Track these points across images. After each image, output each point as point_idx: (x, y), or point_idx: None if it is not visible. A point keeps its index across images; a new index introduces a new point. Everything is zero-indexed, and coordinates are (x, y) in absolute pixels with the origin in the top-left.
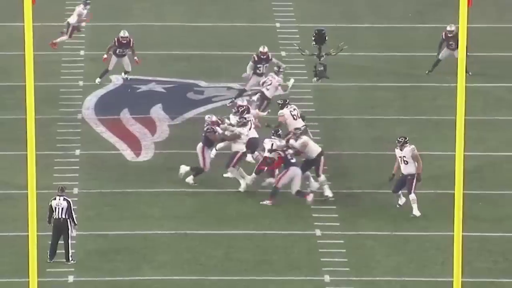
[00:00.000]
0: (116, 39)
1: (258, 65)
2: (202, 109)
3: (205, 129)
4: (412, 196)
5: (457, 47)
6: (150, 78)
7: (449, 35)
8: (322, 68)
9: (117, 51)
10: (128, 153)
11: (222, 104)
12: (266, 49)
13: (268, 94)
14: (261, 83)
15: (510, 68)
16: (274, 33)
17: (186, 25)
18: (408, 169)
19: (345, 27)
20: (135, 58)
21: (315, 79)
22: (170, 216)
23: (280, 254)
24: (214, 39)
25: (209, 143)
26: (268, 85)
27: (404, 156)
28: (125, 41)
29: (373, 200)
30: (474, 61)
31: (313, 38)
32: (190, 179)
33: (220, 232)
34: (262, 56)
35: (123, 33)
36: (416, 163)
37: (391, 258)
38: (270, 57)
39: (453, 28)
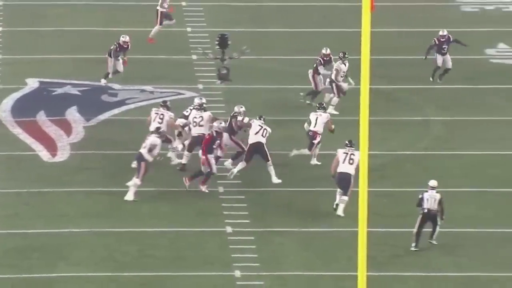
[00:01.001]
0: (117, 43)
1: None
2: (116, 111)
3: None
4: (346, 198)
5: (447, 52)
6: (65, 81)
7: (441, 39)
8: (225, 71)
9: (116, 55)
10: (44, 154)
11: (136, 106)
12: (328, 51)
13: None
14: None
15: (411, 71)
16: (185, 38)
17: (100, 30)
18: (351, 169)
19: (254, 32)
20: (125, 58)
21: (218, 81)
22: (86, 215)
23: (192, 250)
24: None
25: (234, 132)
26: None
27: (353, 154)
28: (126, 45)
29: (281, 197)
30: (378, 64)
31: (216, 42)
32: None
33: (134, 229)
34: (325, 58)
35: (125, 38)
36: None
37: (300, 253)
38: (332, 59)
39: (445, 32)
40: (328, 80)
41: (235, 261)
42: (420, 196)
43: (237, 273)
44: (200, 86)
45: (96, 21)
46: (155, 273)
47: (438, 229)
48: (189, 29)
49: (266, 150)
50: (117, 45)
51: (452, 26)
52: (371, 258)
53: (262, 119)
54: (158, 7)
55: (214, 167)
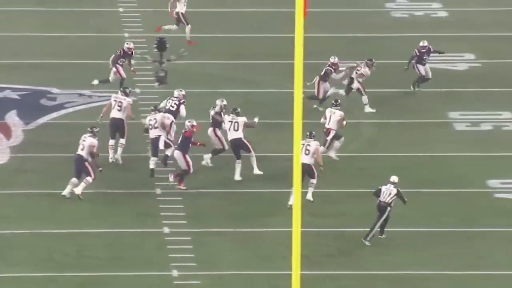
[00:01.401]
0: (121, 50)
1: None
2: (55, 114)
3: (212, 113)
4: (314, 181)
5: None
6: (4, 85)
7: (422, 50)
8: (163, 74)
9: (119, 61)
10: None
11: (74, 110)
12: (336, 60)
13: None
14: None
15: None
16: (123, 43)
17: (39, 35)
18: (307, 159)
19: (191, 37)
20: (132, 68)
21: (156, 84)
22: (26, 216)
23: (130, 250)
24: (65, 49)
25: (218, 125)
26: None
27: (309, 145)
28: (130, 52)
29: (218, 198)
30: (312, 68)
31: (155, 46)
32: (207, 158)
33: (73, 230)
34: (334, 67)
35: (130, 45)
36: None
37: (235, 253)
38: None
39: (425, 43)
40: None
41: (172, 261)
42: (379, 188)
43: (175, 273)
44: (138, 90)
45: (35, 26)
46: (94, 273)
47: (386, 223)
48: (126, 35)
49: (246, 142)
50: (121, 52)
51: (383, 31)
52: (304, 257)
53: (235, 112)
54: (177, 10)
55: (191, 167)
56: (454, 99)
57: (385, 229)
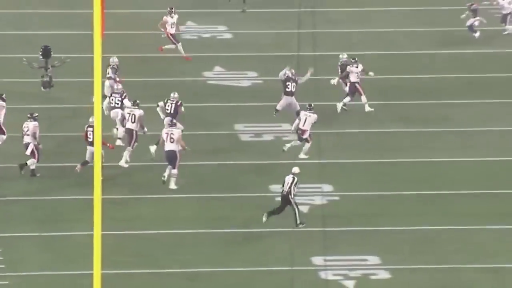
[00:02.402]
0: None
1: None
2: None
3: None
4: (175, 171)
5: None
6: None
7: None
8: (47, 79)
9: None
10: None
11: None
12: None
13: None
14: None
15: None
16: None
17: None
18: (173, 146)
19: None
20: (118, 79)
21: (42, 88)
22: None
23: None
24: None
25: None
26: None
27: (172, 133)
28: (116, 67)
29: (26, 205)
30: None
31: (40, 53)
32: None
33: None
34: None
35: (115, 60)
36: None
37: (41, 255)
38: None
39: (345, 56)
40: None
41: None
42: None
43: None
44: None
45: None
46: None
47: (296, 212)
48: None
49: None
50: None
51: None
52: (105, 258)
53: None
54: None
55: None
56: (239, 113)
57: (172, 231)
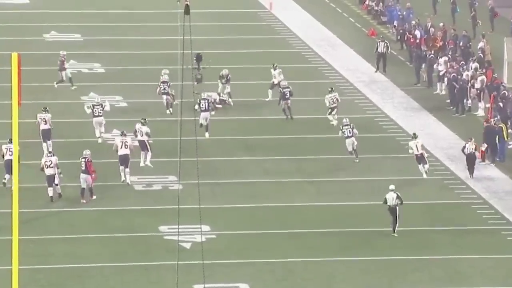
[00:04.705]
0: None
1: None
2: None
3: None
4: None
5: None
6: None
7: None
8: (199, 77)
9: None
10: None
11: None
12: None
13: None
14: None
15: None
16: None
17: None
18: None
19: None
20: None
21: (195, 83)
22: None
23: None
24: None
25: None
26: None
27: (126, 141)
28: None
29: None
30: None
31: (194, 58)
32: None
33: None
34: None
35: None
36: None
37: None
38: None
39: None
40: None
41: None
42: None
43: None
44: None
45: None
46: None
47: (397, 224)
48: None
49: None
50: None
51: None
52: None
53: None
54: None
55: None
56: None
57: None
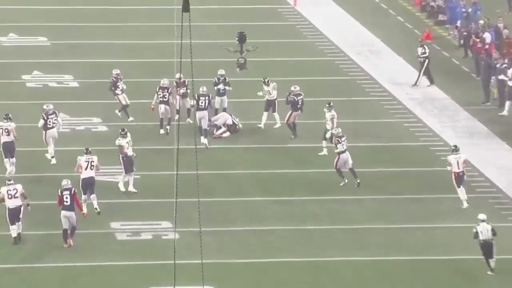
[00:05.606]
0: (113, 78)
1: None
2: None
3: None
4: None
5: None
6: None
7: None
8: (243, 61)
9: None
10: None
11: None
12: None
13: None
14: None
15: None
16: None
17: None
18: (92, 173)
19: None
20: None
21: (238, 69)
22: None
23: None
24: None
25: None
26: None
27: (93, 160)
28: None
29: None
30: None
31: (236, 38)
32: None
33: None
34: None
35: (117, 71)
36: None
37: None
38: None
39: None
40: None
41: None
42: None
43: None
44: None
45: None
46: None
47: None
48: None
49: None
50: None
51: None
52: None
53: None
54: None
55: None
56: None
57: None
